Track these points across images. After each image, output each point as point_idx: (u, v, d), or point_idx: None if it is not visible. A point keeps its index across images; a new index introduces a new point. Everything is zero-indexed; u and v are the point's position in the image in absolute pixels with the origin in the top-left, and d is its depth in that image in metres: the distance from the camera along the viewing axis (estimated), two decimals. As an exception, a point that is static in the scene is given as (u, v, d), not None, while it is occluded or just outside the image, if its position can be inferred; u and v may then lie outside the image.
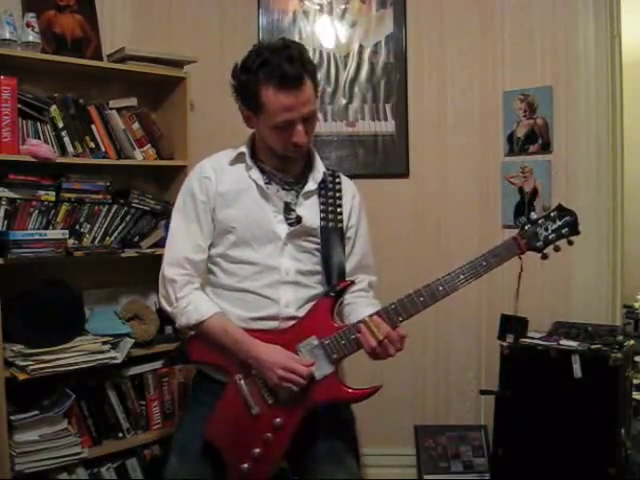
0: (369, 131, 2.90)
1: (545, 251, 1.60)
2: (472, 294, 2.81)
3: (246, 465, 1.58)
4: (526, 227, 1.60)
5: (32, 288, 2.24)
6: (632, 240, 2.90)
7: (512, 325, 2.42)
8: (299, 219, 1.67)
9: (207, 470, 1.62)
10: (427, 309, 1.57)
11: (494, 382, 2.47)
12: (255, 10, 2.87)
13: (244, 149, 1.70)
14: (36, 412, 2.16)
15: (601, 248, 2.59)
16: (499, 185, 2.80)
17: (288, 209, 1.68)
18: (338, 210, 1.72)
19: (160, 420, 2.56)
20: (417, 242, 2.89)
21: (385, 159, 2.90)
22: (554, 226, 1.59)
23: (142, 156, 2.52)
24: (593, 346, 2.25)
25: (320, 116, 2.78)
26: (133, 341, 2.39)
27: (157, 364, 2.57)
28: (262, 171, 1.69)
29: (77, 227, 2.38)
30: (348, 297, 1.73)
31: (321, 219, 1.70)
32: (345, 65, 2.89)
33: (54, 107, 2.31)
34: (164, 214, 2.61)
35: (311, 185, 1.71)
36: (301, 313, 1.64)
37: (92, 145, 2.39)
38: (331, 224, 1.70)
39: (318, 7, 2.89)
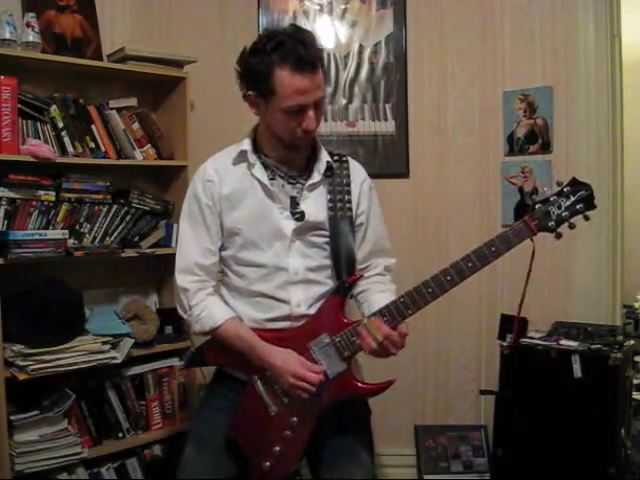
0: (369, 131, 2.90)
1: (559, 230, 1.50)
2: (472, 294, 2.81)
3: (268, 463, 1.60)
4: (537, 207, 1.50)
5: (32, 288, 2.24)
6: (632, 240, 2.90)
7: (512, 325, 2.42)
8: (302, 214, 1.65)
9: (225, 461, 1.63)
10: (429, 307, 1.55)
11: (494, 382, 2.47)
12: (255, 10, 2.87)
13: (246, 146, 1.67)
14: (36, 412, 2.16)
15: (601, 248, 2.59)
16: (499, 185, 2.80)
17: (294, 204, 1.66)
18: (347, 198, 1.69)
19: (160, 420, 2.56)
20: (417, 242, 2.89)
21: (385, 159, 2.90)
22: (568, 202, 1.49)
23: (142, 156, 2.52)
24: (593, 346, 2.25)
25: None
26: (133, 341, 2.38)
27: (157, 364, 2.57)
28: (265, 166, 1.67)
29: (77, 227, 2.38)
30: (363, 283, 1.73)
31: (329, 209, 1.67)
32: (345, 65, 2.89)
33: (54, 107, 2.31)
34: (164, 214, 2.61)
35: (316, 177, 1.68)
36: (313, 311, 1.64)
37: (92, 145, 2.39)
38: (340, 213, 1.67)
39: (318, 7, 2.90)
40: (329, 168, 1.69)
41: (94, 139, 2.40)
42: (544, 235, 1.51)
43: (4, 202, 2.21)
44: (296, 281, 1.64)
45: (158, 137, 2.57)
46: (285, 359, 1.56)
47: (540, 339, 2.38)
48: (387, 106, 2.90)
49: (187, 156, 2.57)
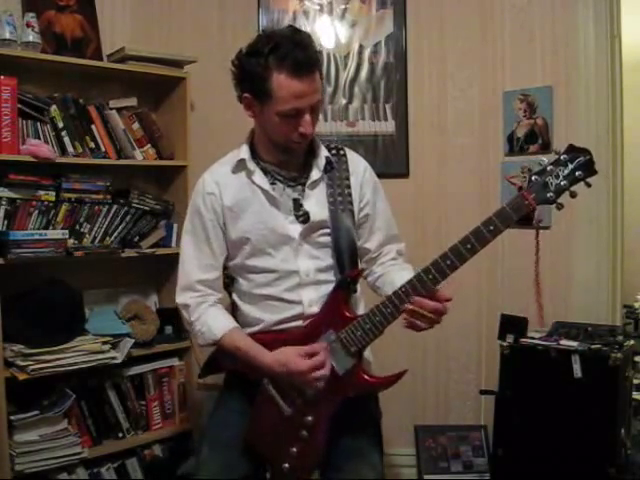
0: (369, 131, 2.90)
1: (559, 200, 1.41)
2: (472, 294, 2.81)
3: (287, 465, 1.60)
4: (533, 178, 1.41)
5: (32, 288, 2.24)
6: (632, 240, 2.90)
7: (512, 325, 2.42)
8: (307, 216, 1.64)
9: (239, 461, 1.62)
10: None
11: (494, 382, 2.47)
12: (255, 10, 2.87)
13: (244, 154, 1.66)
14: (36, 412, 2.16)
15: (601, 248, 2.58)
16: (499, 185, 2.80)
17: (297, 206, 1.65)
18: (346, 192, 1.67)
19: (160, 420, 2.57)
20: (417, 242, 2.88)
21: (385, 159, 2.89)
22: (566, 171, 1.39)
23: (142, 156, 2.52)
24: (593, 346, 2.25)
25: (320, 116, 2.77)
26: (133, 341, 2.39)
27: (157, 364, 2.58)
28: (265, 172, 1.66)
29: (77, 227, 2.38)
30: (378, 269, 1.72)
31: (329, 204, 1.65)
32: (345, 65, 2.89)
33: (54, 107, 2.31)
34: (164, 214, 2.61)
35: (316, 174, 1.66)
36: None
37: (92, 145, 2.39)
38: (340, 207, 1.65)
39: (318, 7, 2.89)
40: (328, 163, 1.68)
41: (94, 139, 2.40)
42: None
43: (4, 202, 2.21)
44: (307, 283, 1.64)
45: (158, 137, 2.57)
46: (282, 362, 1.54)
47: (540, 339, 2.38)
48: (387, 106, 2.89)
49: (187, 156, 2.57)
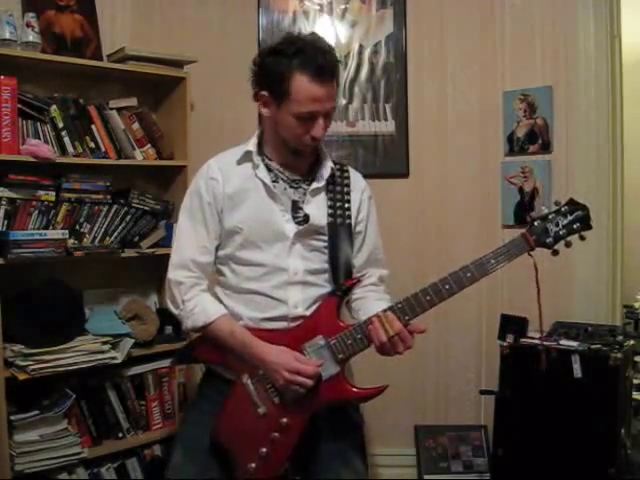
0: (369, 131, 2.90)
1: (556, 247, 1.57)
2: (472, 294, 2.81)
3: (253, 465, 1.58)
4: (535, 223, 1.57)
5: (32, 288, 2.24)
6: (632, 240, 2.90)
7: (512, 325, 2.42)
8: (307, 218, 1.66)
9: (213, 466, 1.62)
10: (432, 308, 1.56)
11: (494, 382, 2.47)
12: (255, 10, 2.86)
13: (251, 147, 1.68)
14: (36, 412, 2.16)
15: (601, 248, 2.58)
16: (499, 185, 2.80)
17: (296, 207, 1.67)
18: (346, 206, 1.70)
19: (160, 420, 2.56)
20: (417, 242, 2.89)
21: (385, 159, 2.89)
22: (565, 221, 1.56)
23: (142, 156, 2.52)
24: (593, 346, 2.25)
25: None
26: (133, 341, 2.39)
27: (157, 364, 2.57)
28: (269, 169, 1.68)
29: (77, 227, 2.38)
30: (358, 291, 1.73)
31: (329, 215, 1.68)
32: (345, 65, 2.89)
33: (54, 107, 2.31)
34: (164, 214, 2.61)
35: (320, 182, 1.69)
36: (310, 312, 1.64)
37: (92, 145, 2.39)
38: (339, 220, 1.68)
39: (318, 7, 2.89)
40: (331, 175, 1.71)
41: (94, 139, 2.40)
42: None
43: (4, 202, 2.21)
44: (295, 281, 1.64)
45: (158, 137, 2.58)
46: (279, 355, 1.56)
47: (540, 339, 2.38)
48: (387, 106, 2.90)
49: (187, 156, 2.57)
